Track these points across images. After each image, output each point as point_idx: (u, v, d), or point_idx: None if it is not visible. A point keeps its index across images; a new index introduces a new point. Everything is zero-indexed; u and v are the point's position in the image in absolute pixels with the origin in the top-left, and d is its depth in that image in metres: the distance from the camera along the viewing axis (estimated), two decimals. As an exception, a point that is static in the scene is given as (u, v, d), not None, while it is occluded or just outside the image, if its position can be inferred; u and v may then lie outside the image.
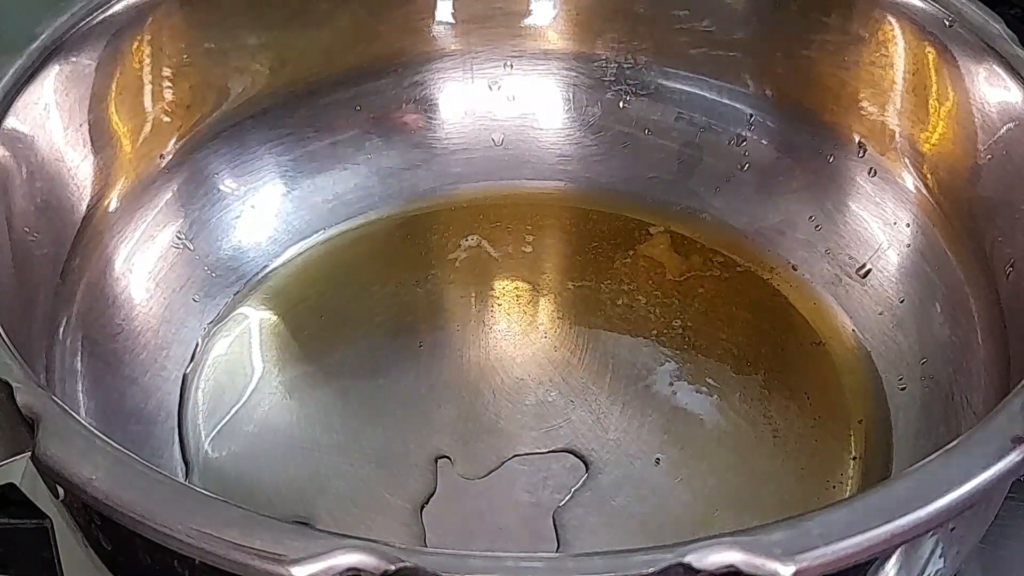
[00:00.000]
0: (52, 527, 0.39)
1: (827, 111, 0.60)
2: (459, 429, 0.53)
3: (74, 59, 0.53)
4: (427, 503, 0.50)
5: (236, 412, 0.54)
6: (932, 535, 0.41)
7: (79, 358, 0.51)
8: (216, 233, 0.60)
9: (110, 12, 0.54)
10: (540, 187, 0.65)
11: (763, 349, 0.57)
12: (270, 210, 0.62)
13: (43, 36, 0.52)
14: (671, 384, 0.55)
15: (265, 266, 0.61)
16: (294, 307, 0.59)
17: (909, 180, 0.57)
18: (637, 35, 0.64)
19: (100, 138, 0.54)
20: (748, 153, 0.63)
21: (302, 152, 0.63)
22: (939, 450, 0.36)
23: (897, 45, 0.56)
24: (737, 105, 0.64)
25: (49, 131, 0.52)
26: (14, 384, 0.38)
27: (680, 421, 0.54)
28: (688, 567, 0.32)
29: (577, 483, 0.51)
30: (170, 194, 0.59)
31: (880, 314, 0.57)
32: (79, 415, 0.39)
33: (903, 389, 0.54)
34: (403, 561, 0.32)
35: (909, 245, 0.57)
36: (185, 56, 0.58)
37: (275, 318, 0.59)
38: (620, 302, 0.60)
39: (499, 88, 0.66)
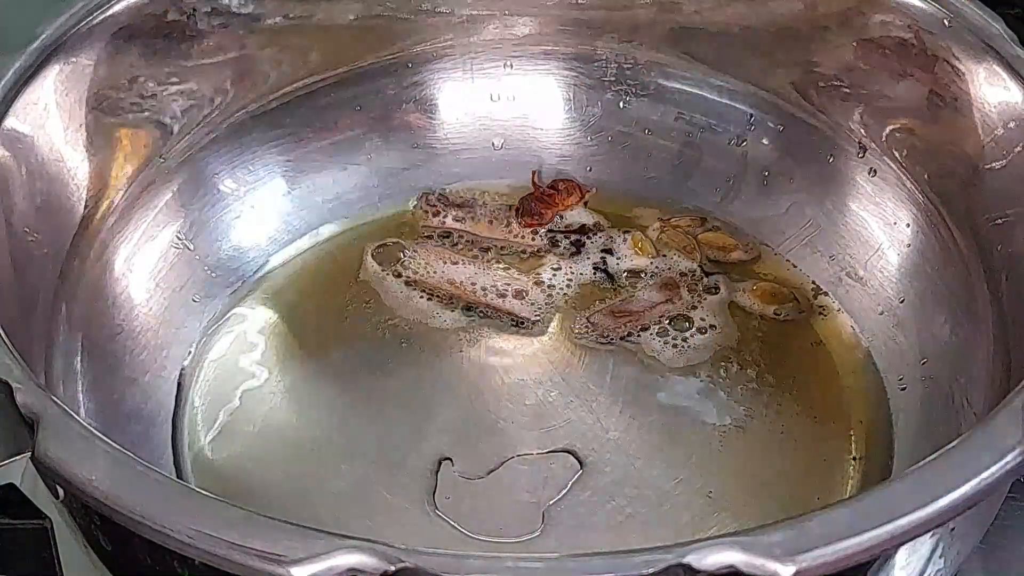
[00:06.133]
0: (52, 527, 0.39)
1: (827, 111, 0.60)
2: (459, 429, 0.53)
3: (74, 59, 0.53)
4: (429, 503, 0.50)
5: (236, 412, 0.54)
6: (932, 535, 0.41)
7: (79, 358, 0.51)
8: (216, 233, 0.60)
9: (110, 12, 0.54)
10: (540, 187, 0.65)
11: (763, 349, 0.57)
12: (270, 210, 0.62)
13: (43, 36, 0.52)
14: (671, 384, 0.55)
15: (265, 266, 0.61)
16: (294, 307, 0.59)
17: (909, 180, 0.57)
18: (637, 35, 0.64)
19: (100, 138, 0.54)
20: (748, 153, 0.63)
21: (302, 152, 0.63)
22: (939, 450, 0.36)
23: (897, 45, 0.56)
24: (737, 105, 0.64)
25: (49, 131, 0.52)
26: (14, 384, 0.38)
27: (680, 421, 0.54)
28: (688, 567, 0.32)
29: (577, 483, 0.51)
30: (170, 194, 0.59)
31: (880, 314, 0.57)
32: (79, 415, 0.39)
33: (903, 389, 0.54)
34: (403, 561, 0.32)
35: (909, 245, 0.57)
36: (185, 57, 0.58)
37: (275, 318, 0.59)
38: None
39: (499, 88, 0.66)
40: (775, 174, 0.63)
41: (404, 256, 0.62)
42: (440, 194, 0.64)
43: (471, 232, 0.63)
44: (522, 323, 0.59)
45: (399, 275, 0.61)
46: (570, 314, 0.59)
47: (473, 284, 0.60)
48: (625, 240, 0.62)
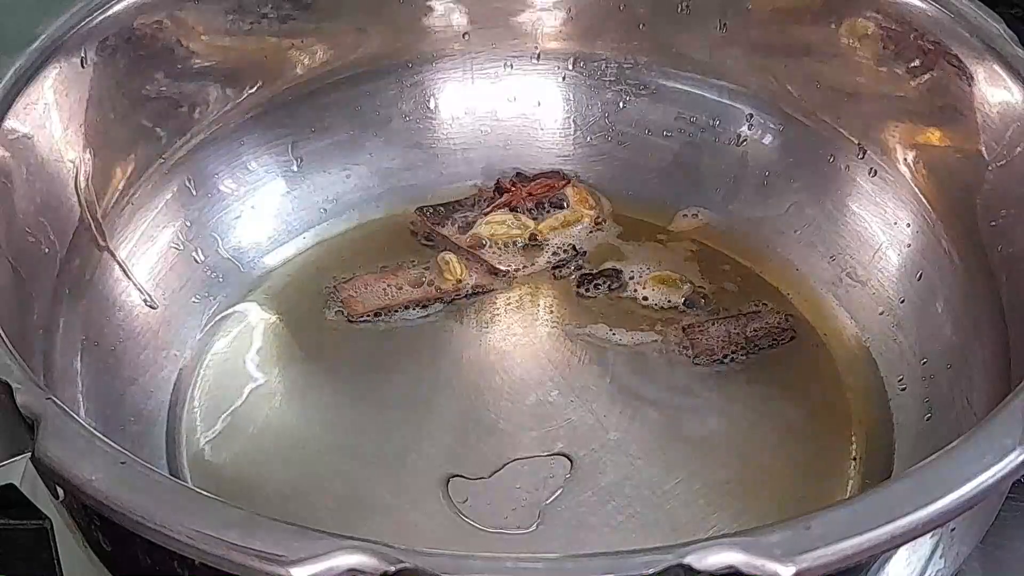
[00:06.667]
0: (52, 528, 0.38)
1: (827, 111, 0.60)
2: (459, 429, 0.53)
3: (74, 59, 0.53)
4: (429, 503, 0.50)
5: (236, 412, 0.54)
6: (932, 535, 0.41)
7: (79, 358, 0.51)
8: (216, 233, 0.60)
9: (110, 12, 0.54)
10: (540, 187, 0.65)
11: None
12: (270, 210, 0.62)
13: (43, 36, 0.52)
14: (671, 384, 0.55)
15: (265, 266, 0.61)
16: (294, 307, 0.59)
17: (909, 180, 0.57)
18: (637, 35, 0.64)
19: (100, 138, 0.54)
20: (748, 153, 0.63)
21: (302, 152, 0.63)
22: (939, 450, 0.36)
23: (897, 45, 0.56)
24: (737, 105, 0.64)
25: (49, 131, 0.52)
26: (14, 384, 0.38)
27: (680, 421, 0.54)
28: (688, 568, 0.32)
29: (577, 483, 0.51)
30: (170, 194, 0.59)
31: (881, 314, 0.57)
32: (79, 415, 0.39)
33: (904, 390, 0.54)
34: (403, 562, 0.32)
35: (909, 245, 0.57)
36: (185, 57, 0.58)
37: (275, 318, 0.59)
38: (620, 302, 0.60)
39: (499, 88, 0.66)
40: (775, 174, 0.63)
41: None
42: (435, 210, 0.64)
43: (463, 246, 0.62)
44: (503, 274, 0.60)
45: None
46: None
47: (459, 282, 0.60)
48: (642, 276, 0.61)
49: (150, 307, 0.56)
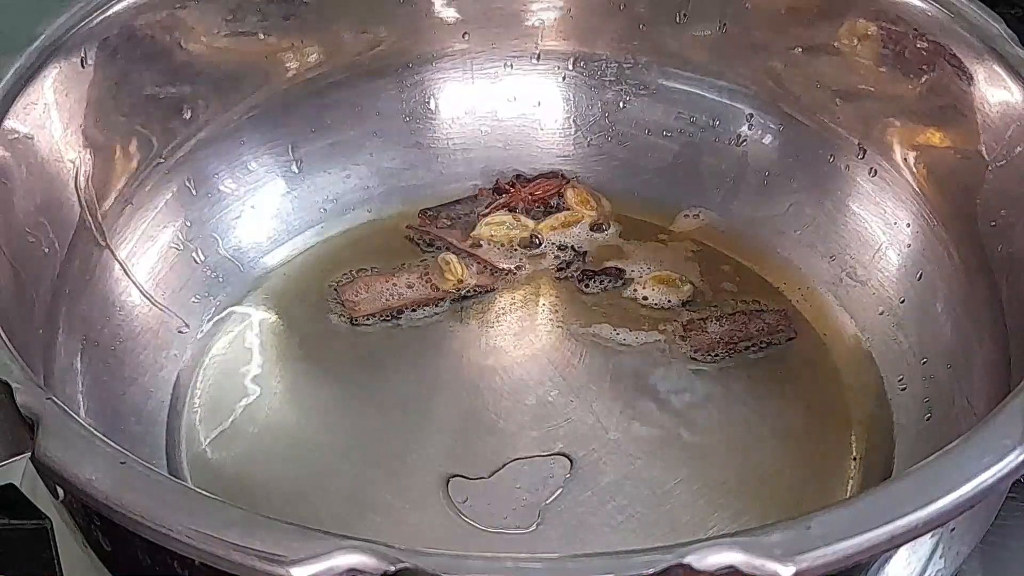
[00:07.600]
0: (52, 528, 0.38)
1: (827, 111, 0.60)
2: (459, 429, 0.53)
3: (74, 59, 0.53)
4: (429, 503, 0.50)
5: (236, 412, 0.54)
6: (932, 535, 0.41)
7: (79, 358, 0.51)
8: (216, 233, 0.60)
9: (110, 12, 0.54)
10: (540, 187, 0.65)
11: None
12: (270, 210, 0.62)
13: (43, 36, 0.52)
14: (671, 384, 0.55)
15: (265, 266, 0.61)
16: (294, 307, 0.59)
17: (909, 180, 0.57)
18: (637, 35, 0.64)
19: (99, 138, 0.54)
20: (748, 153, 0.63)
21: (302, 152, 0.63)
22: (939, 450, 0.36)
23: (897, 45, 0.56)
24: (737, 105, 0.64)
25: (49, 131, 0.52)
26: (14, 384, 0.38)
27: (680, 421, 0.54)
28: (688, 568, 0.32)
29: (577, 483, 0.51)
30: (170, 194, 0.59)
31: (881, 314, 0.57)
32: (79, 415, 0.39)
33: (904, 389, 0.54)
34: (403, 561, 0.32)
35: (909, 245, 0.57)
36: (185, 57, 0.58)
37: (275, 318, 0.59)
38: (621, 302, 0.60)
39: (499, 88, 0.66)
40: (775, 174, 0.63)
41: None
42: (436, 211, 0.64)
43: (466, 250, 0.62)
44: (503, 274, 0.60)
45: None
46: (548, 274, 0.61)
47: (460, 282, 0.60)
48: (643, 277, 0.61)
49: (181, 332, 0.57)
